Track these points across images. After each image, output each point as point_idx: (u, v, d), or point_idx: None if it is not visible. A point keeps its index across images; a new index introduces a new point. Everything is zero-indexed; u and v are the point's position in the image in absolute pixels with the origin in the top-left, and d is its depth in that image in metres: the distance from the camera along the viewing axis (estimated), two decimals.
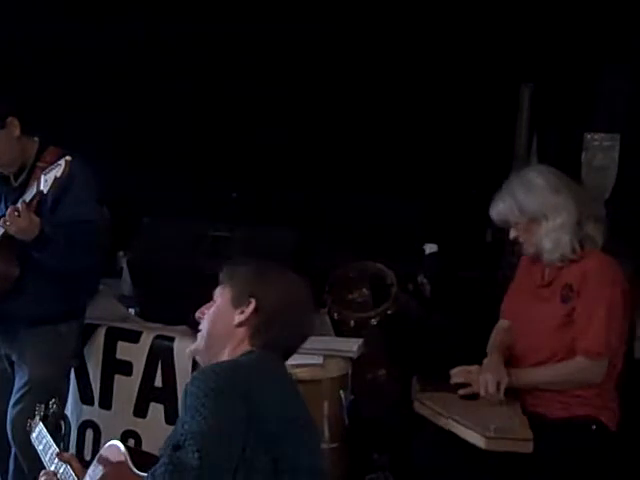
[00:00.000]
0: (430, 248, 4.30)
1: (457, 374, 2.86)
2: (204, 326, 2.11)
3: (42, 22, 4.64)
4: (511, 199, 2.84)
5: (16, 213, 2.89)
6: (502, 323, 3.05)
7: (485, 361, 2.86)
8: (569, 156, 4.64)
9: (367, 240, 4.20)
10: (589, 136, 4.62)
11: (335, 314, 3.67)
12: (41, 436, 2.36)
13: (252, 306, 2.04)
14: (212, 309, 2.11)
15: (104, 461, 2.11)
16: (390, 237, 4.32)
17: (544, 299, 2.87)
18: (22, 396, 3.21)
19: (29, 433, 2.42)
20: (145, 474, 1.85)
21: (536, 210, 2.81)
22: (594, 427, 2.74)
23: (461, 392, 2.81)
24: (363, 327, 3.62)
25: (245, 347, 2.04)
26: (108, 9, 4.68)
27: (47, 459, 2.30)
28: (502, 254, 4.62)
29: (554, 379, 2.78)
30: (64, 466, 2.21)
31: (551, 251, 2.81)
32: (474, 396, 2.79)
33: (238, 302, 2.07)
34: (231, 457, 1.77)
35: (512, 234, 2.89)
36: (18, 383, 3.25)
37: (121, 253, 4.15)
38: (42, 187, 2.84)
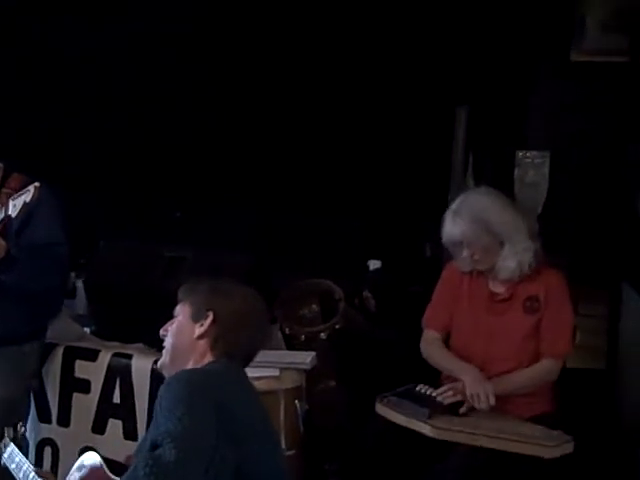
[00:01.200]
0: (374, 264, 4.50)
1: (449, 395, 2.94)
2: (168, 342, 2.28)
3: None
4: (475, 220, 2.99)
5: None
6: (433, 334, 3.16)
7: (465, 375, 2.97)
8: (503, 173, 4.88)
9: (314, 258, 4.37)
10: (521, 154, 4.84)
11: (286, 329, 3.81)
12: (13, 455, 2.44)
13: (210, 318, 2.22)
14: (174, 325, 2.28)
15: (81, 468, 2.24)
16: (336, 255, 4.49)
17: (502, 312, 3.06)
18: None
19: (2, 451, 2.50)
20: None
21: (502, 232, 2.99)
22: (550, 420, 2.96)
23: (462, 410, 2.91)
24: (313, 341, 3.77)
25: (208, 358, 2.21)
26: None
27: (21, 476, 2.40)
28: (441, 268, 4.85)
29: (527, 382, 3.01)
30: None
31: (514, 270, 3.01)
32: (456, 409, 2.93)
33: (197, 317, 2.25)
34: (205, 453, 1.91)
35: (466, 253, 3.04)
36: None
37: (73, 274, 4.24)
38: (10, 212, 2.93)
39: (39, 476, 2.34)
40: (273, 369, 3.19)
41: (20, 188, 3.04)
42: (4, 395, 3.26)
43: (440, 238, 4.85)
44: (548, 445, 2.77)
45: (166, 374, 2.27)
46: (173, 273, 3.81)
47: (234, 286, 2.35)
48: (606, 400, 4.32)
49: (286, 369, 3.30)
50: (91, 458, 2.25)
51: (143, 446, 2.09)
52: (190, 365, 2.21)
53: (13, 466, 2.45)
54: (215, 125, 5.04)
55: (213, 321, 2.22)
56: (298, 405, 3.19)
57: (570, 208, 4.67)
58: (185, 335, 2.25)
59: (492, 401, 2.90)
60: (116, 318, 3.84)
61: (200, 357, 2.22)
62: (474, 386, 2.92)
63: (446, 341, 3.20)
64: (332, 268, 4.25)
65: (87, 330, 3.92)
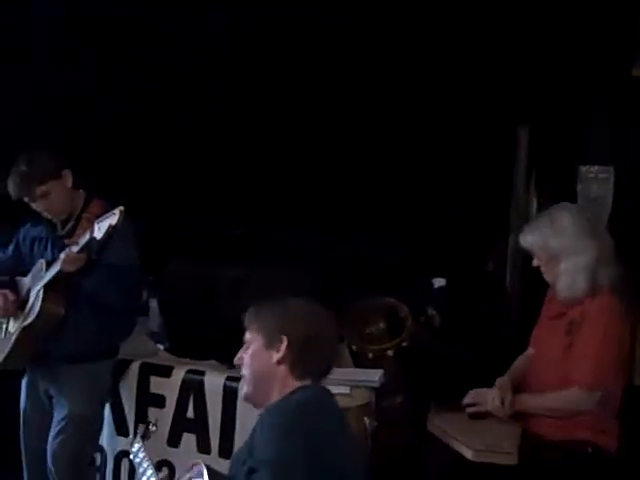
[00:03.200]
0: (438, 282, 4.56)
1: (468, 395, 3.12)
2: (246, 372, 2.32)
3: None
4: (538, 233, 3.09)
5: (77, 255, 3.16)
6: (528, 351, 3.29)
7: (497, 383, 3.12)
8: (565, 189, 4.90)
9: (380, 276, 4.44)
10: (584, 169, 4.86)
11: (353, 347, 3.90)
12: (140, 453, 2.56)
13: (285, 343, 2.26)
14: (249, 355, 2.31)
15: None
16: (401, 273, 4.56)
17: (553, 330, 3.10)
18: (62, 429, 3.43)
19: (130, 446, 2.61)
20: None
21: (556, 249, 3.04)
22: (590, 450, 2.95)
23: (469, 410, 3.06)
24: (380, 358, 3.85)
25: (292, 383, 2.26)
26: None
27: (140, 471, 2.52)
28: (503, 283, 4.89)
29: (551, 406, 2.99)
30: None
31: (565, 289, 3.06)
32: (482, 416, 3.05)
33: (271, 343, 2.28)
34: (300, 474, 2.01)
35: (535, 263, 3.14)
36: (57, 417, 3.46)
37: (145, 292, 4.39)
38: (96, 234, 3.08)
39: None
40: (344, 387, 3.28)
41: (101, 213, 3.21)
42: (81, 409, 3.43)
43: (502, 254, 4.97)
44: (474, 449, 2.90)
45: (252, 402, 2.34)
46: (241, 291, 3.92)
47: (302, 306, 2.37)
48: None
49: (356, 387, 3.38)
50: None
51: (236, 461, 2.21)
52: (275, 391, 2.26)
53: (137, 460, 2.56)
54: (281, 144, 5.16)
55: (288, 345, 2.26)
56: (367, 422, 3.27)
57: (636, 223, 4.70)
58: (263, 363, 2.28)
59: (506, 409, 3.01)
60: (189, 335, 3.97)
61: (282, 382, 2.26)
62: (491, 391, 3.06)
63: None
64: (398, 286, 4.32)
65: (161, 347, 4.06)
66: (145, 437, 2.56)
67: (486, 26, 4.77)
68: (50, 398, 3.54)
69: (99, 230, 3.06)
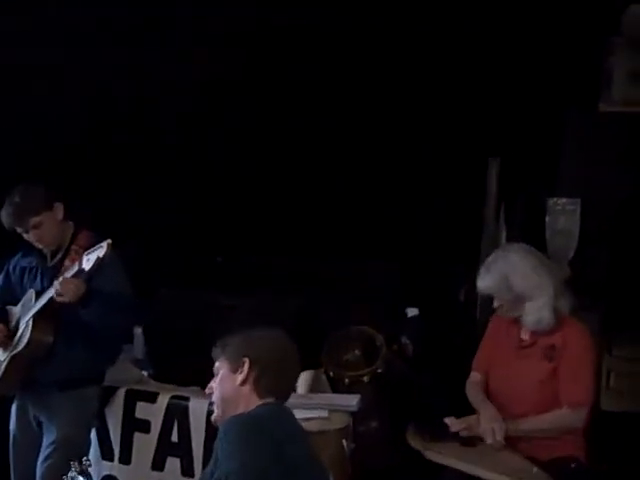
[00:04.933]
0: (411, 312, 4.73)
1: (458, 423, 3.26)
2: (216, 397, 2.52)
3: None
4: (498, 276, 3.25)
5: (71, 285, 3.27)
6: (475, 377, 3.46)
7: (483, 412, 3.27)
8: (534, 221, 5.07)
9: (355, 307, 4.61)
10: (552, 201, 5.03)
11: (331, 373, 4.07)
12: None
13: (247, 364, 2.46)
14: (217, 382, 2.51)
15: None
16: (375, 303, 4.74)
17: (525, 357, 3.30)
18: (51, 453, 3.53)
19: None
20: None
21: (523, 291, 3.23)
22: (573, 465, 3.19)
23: (463, 434, 3.21)
24: (356, 384, 4.01)
25: (254, 401, 2.44)
26: None
27: None
28: (474, 314, 5.07)
29: (545, 427, 3.21)
30: None
31: (533, 324, 3.26)
32: (472, 443, 3.22)
33: (235, 366, 2.48)
34: None
35: (496, 304, 3.32)
36: (46, 441, 3.57)
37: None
38: (84, 265, 3.22)
39: None
40: (322, 410, 3.44)
41: (89, 245, 3.35)
42: (68, 435, 3.54)
43: (474, 284, 5.14)
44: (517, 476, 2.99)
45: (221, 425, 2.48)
46: (226, 320, 4.08)
47: (264, 332, 2.58)
48: None
49: (334, 411, 3.54)
50: None
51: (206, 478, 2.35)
52: (240, 411, 2.43)
53: None
54: (265, 170, 5.29)
55: (250, 366, 2.46)
56: (345, 445, 3.43)
57: (602, 254, 4.86)
58: (229, 386, 2.47)
59: (499, 437, 3.16)
60: (173, 363, 4.10)
61: (246, 401, 2.45)
62: (487, 422, 3.21)
63: None
64: (372, 315, 4.49)
65: (145, 374, 4.19)
66: (82, 473, 2.50)
67: (459, 60, 4.97)
68: (39, 423, 3.65)
69: (87, 262, 3.19)
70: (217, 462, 2.29)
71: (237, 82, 5.17)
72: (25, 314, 3.53)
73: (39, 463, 3.56)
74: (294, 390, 2.61)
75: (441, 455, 3.17)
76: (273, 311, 3.94)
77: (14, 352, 3.50)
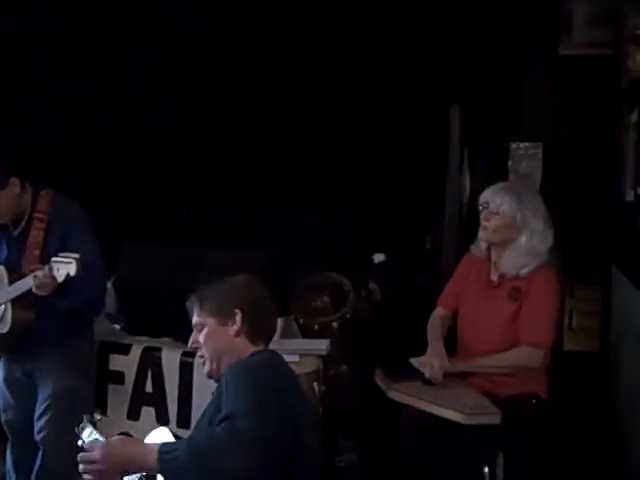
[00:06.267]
0: (378, 258, 4.82)
1: (419, 361, 3.34)
2: (206, 352, 2.51)
3: None
4: (516, 200, 3.29)
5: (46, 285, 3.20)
6: (439, 311, 3.55)
7: (430, 347, 3.39)
8: (496, 165, 5.17)
9: (322, 253, 4.68)
10: (514, 145, 5.14)
11: (301, 319, 4.15)
12: (92, 434, 2.55)
13: (239, 315, 2.49)
14: (204, 338, 2.51)
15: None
16: (342, 250, 4.82)
17: (491, 297, 3.39)
18: (48, 406, 3.48)
19: (79, 434, 2.56)
20: None
21: (523, 223, 3.29)
22: (534, 401, 3.31)
23: (424, 376, 3.28)
24: (326, 330, 4.11)
25: (250, 348, 2.48)
26: None
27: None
28: (439, 260, 5.17)
29: (504, 364, 3.30)
30: None
31: (510, 268, 3.33)
32: (432, 382, 3.30)
33: (225, 320, 2.50)
34: (271, 422, 2.21)
35: (486, 222, 3.34)
36: (42, 397, 3.50)
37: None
38: (55, 274, 3.14)
39: None
40: (293, 355, 3.52)
41: (49, 206, 3.34)
42: (65, 385, 3.46)
43: (439, 231, 5.22)
44: (466, 412, 3.09)
45: (216, 378, 2.51)
46: (195, 271, 4.11)
47: (242, 280, 2.59)
48: (599, 381, 4.63)
49: (305, 355, 3.64)
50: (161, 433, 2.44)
51: (202, 423, 2.41)
52: (235, 359, 2.44)
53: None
54: (230, 120, 5.31)
55: (242, 316, 2.49)
56: (316, 387, 3.52)
57: (563, 197, 4.98)
58: (221, 340, 2.49)
59: (436, 374, 3.26)
60: (144, 315, 4.16)
61: (241, 350, 2.47)
62: (429, 356, 3.33)
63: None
64: (340, 262, 4.57)
65: (117, 327, 4.25)
66: (93, 424, 2.53)
67: (417, 10, 5.02)
68: (29, 377, 3.56)
69: (58, 272, 3.14)
70: (219, 407, 2.30)
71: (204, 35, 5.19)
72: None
73: (36, 419, 3.51)
74: (275, 332, 2.65)
75: (401, 394, 3.27)
76: (241, 262, 3.99)
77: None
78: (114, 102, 5.11)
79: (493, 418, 3.13)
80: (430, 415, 3.16)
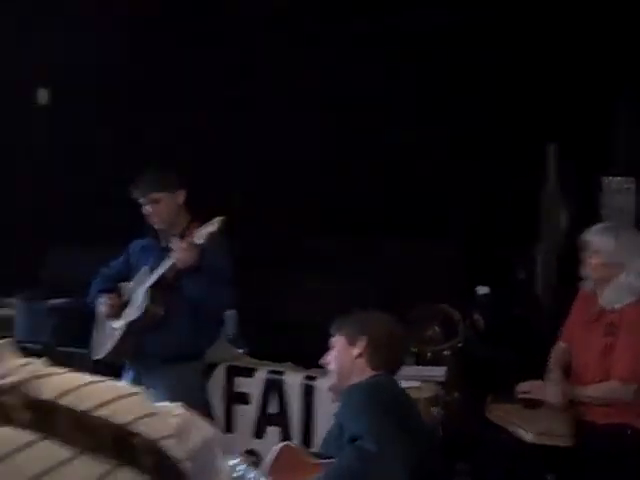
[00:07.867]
0: (482, 290, 5.02)
1: (521, 386, 3.58)
2: (332, 367, 2.86)
3: None
4: (614, 239, 3.49)
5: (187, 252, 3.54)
6: (559, 345, 3.76)
7: (550, 376, 3.60)
8: (590, 199, 5.27)
9: (431, 286, 4.91)
10: (607, 180, 5.27)
11: (414, 348, 4.39)
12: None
13: (365, 340, 2.79)
14: (334, 354, 2.85)
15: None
16: (449, 283, 5.04)
17: (592, 332, 3.60)
18: None
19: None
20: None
21: (622, 262, 3.47)
22: (629, 432, 3.46)
23: (520, 396, 3.52)
24: (438, 358, 4.36)
25: (368, 372, 2.77)
26: None
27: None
28: (535, 291, 5.32)
29: (597, 395, 3.49)
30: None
31: (612, 301, 3.52)
32: (535, 405, 3.51)
33: (352, 341, 2.82)
34: (393, 442, 2.46)
35: (587, 258, 3.53)
36: None
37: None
38: (196, 240, 3.48)
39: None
40: (414, 381, 3.77)
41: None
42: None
43: (531, 263, 5.35)
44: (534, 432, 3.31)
45: (336, 393, 2.85)
46: (311, 303, 4.40)
47: (377, 313, 2.96)
48: None
49: (424, 381, 3.89)
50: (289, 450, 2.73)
51: (330, 440, 2.69)
52: (354, 380, 2.76)
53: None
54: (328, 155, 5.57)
55: (367, 342, 2.79)
56: (435, 412, 3.76)
57: None
58: (346, 358, 2.81)
59: (563, 402, 3.45)
60: (266, 341, 4.44)
61: (360, 372, 2.77)
62: (553, 385, 3.52)
63: None
64: (440, 293, 4.80)
65: (240, 351, 4.54)
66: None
67: (513, 47, 5.20)
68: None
69: (199, 237, 3.46)
70: (341, 425, 2.60)
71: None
72: (139, 286, 3.76)
73: None
74: (402, 364, 2.93)
75: (494, 415, 3.50)
76: (360, 295, 4.25)
77: (130, 319, 3.73)
78: None
79: (561, 440, 3.34)
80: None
